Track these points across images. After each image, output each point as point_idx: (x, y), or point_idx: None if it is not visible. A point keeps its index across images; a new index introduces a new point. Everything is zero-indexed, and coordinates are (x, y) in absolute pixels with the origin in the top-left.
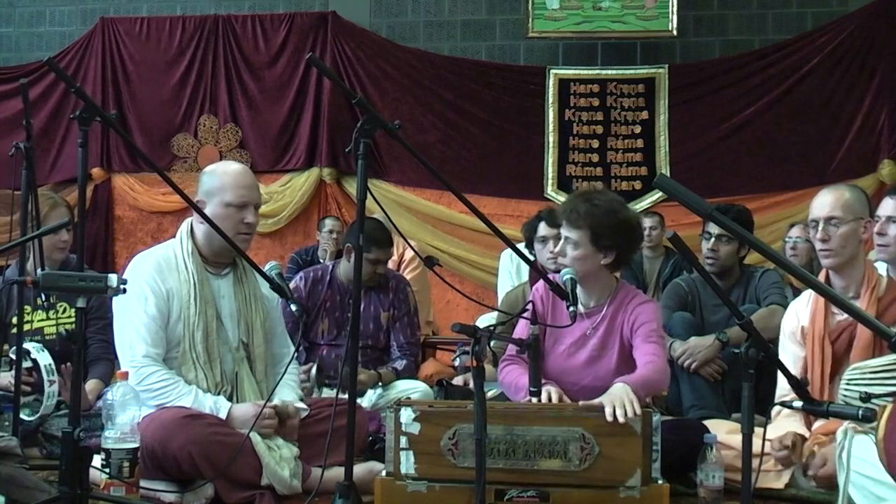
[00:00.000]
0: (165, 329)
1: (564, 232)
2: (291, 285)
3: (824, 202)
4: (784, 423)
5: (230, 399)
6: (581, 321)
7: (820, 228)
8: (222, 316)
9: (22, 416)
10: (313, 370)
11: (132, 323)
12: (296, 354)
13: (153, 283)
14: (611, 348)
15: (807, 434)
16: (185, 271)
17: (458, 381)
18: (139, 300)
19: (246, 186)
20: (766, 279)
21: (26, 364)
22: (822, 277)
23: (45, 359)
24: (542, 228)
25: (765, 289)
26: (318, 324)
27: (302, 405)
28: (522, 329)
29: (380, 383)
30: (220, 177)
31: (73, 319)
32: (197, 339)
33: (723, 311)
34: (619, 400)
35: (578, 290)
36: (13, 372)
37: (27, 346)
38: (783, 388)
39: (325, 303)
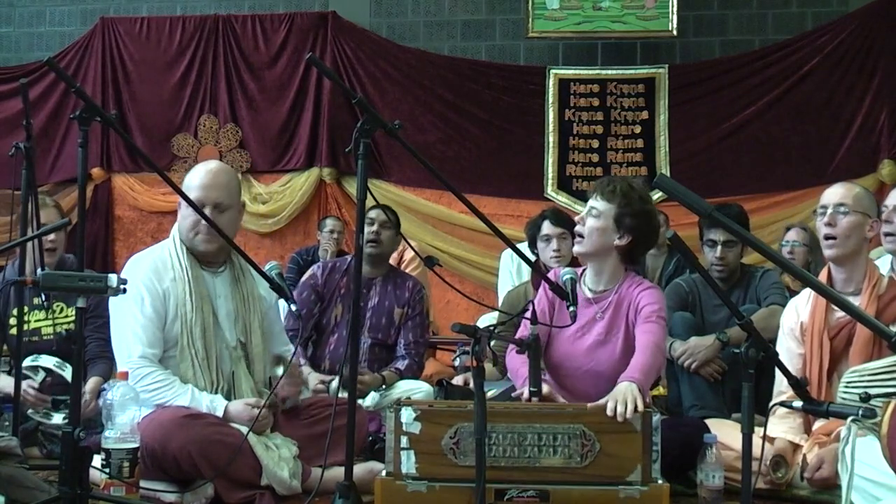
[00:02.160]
0: (163, 329)
1: (592, 203)
2: (309, 273)
3: (836, 191)
4: (780, 424)
5: (227, 398)
6: (589, 306)
7: (828, 213)
8: (219, 315)
9: (43, 419)
10: (334, 383)
11: (128, 324)
12: (297, 352)
13: (150, 283)
14: (616, 334)
15: (798, 439)
16: (179, 269)
17: (457, 380)
18: (136, 301)
19: (204, 186)
20: (767, 279)
21: (40, 376)
22: (823, 273)
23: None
24: (546, 227)
25: (765, 289)
26: (332, 309)
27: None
28: (526, 329)
29: (383, 385)
30: (189, 176)
31: (70, 320)
32: (195, 335)
33: (723, 310)
34: (622, 397)
35: (588, 273)
36: (14, 374)
37: (43, 362)
38: (780, 387)
39: (339, 289)
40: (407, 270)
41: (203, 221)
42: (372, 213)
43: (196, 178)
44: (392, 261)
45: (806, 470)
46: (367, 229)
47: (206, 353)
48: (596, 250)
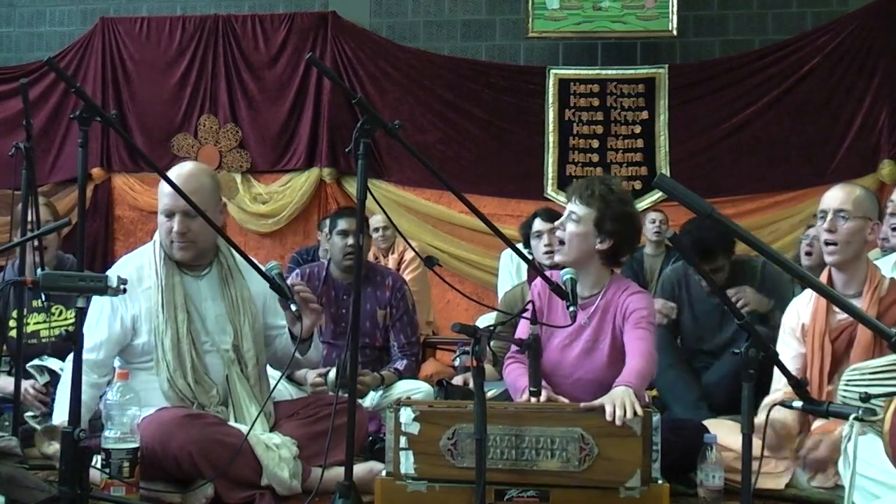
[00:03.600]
0: (117, 343)
1: (571, 207)
2: (287, 281)
3: (836, 195)
4: (774, 415)
5: (224, 404)
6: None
7: (828, 219)
8: (206, 319)
9: (33, 423)
10: (331, 374)
11: (91, 332)
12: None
13: (122, 301)
14: (603, 340)
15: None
16: (154, 278)
17: (457, 380)
18: (103, 310)
19: (172, 194)
20: (771, 275)
21: (45, 378)
22: (824, 275)
23: None
24: (538, 223)
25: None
26: None
27: None
28: (524, 329)
29: (382, 385)
30: (162, 182)
31: (68, 322)
32: (165, 346)
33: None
34: (619, 401)
35: None
36: (14, 375)
37: (50, 364)
38: (777, 385)
39: (320, 298)
40: (407, 271)
41: (175, 228)
42: (343, 225)
43: (165, 186)
44: (392, 261)
45: (802, 448)
46: (340, 242)
47: (179, 363)
48: (577, 258)
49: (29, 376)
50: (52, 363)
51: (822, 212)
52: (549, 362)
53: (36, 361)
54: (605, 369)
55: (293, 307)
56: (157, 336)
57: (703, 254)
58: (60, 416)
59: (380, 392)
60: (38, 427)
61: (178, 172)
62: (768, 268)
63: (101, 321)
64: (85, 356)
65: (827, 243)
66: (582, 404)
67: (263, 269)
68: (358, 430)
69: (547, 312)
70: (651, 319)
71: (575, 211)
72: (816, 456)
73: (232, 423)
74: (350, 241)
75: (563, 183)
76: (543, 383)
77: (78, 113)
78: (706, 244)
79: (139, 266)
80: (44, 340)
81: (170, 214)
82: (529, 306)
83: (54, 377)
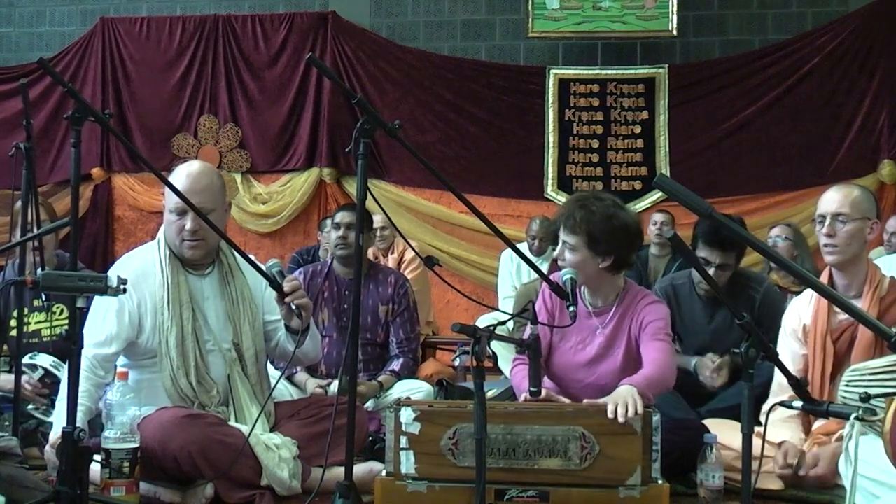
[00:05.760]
0: (132, 338)
1: (563, 236)
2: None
3: (833, 198)
4: (781, 429)
5: (225, 404)
6: (589, 319)
7: (827, 223)
8: (208, 318)
9: (36, 414)
10: (332, 386)
11: (99, 326)
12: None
13: (128, 296)
14: (617, 348)
15: (804, 439)
16: (160, 276)
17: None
18: (114, 309)
19: (184, 192)
20: (770, 304)
21: (38, 373)
22: (825, 276)
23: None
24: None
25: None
26: (319, 314)
27: None
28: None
29: (381, 391)
30: (170, 179)
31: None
32: (170, 344)
33: (702, 317)
34: (622, 399)
35: (585, 291)
36: (14, 374)
37: (40, 361)
38: (777, 388)
39: (322, 293)
40: (407, 270)
41: (188, 227)
42: (337, 218)
43: (176, 184)
44: (392, 261)
45: (801, 468)
46: (334, 234)
47: (182, 361)
48: (586, 279)
49: (22, 373)
50: (42, 360)
51: (821, 216)
52: (560, 366)
53: (26, 359)
54: (617, 376)
55: (292, 305)
56: (161, 333)
57: (720, 243)
58: (62, 421)
59: (379, 397)
60: (42, 418)
61: (186, 171)
62: (766, 299)
63: (109, 316)
64: (95, 351)
65: (826, 245)
66: (585, 401)
67: (264, 267)
68: (358, 431)
69: (559, 315)
70: (668, 331)
71: (567, 240)
72: (816, 473)
73: (232, 423)
74: (342, 232)
75: (563, 183)
76: (551, 385)
77: (70, 113)
78: (723, 234)
79: (144, 263)
80: (45, 340)
81: (182, 212)
82: (530, 307)
83: (51, 377)
